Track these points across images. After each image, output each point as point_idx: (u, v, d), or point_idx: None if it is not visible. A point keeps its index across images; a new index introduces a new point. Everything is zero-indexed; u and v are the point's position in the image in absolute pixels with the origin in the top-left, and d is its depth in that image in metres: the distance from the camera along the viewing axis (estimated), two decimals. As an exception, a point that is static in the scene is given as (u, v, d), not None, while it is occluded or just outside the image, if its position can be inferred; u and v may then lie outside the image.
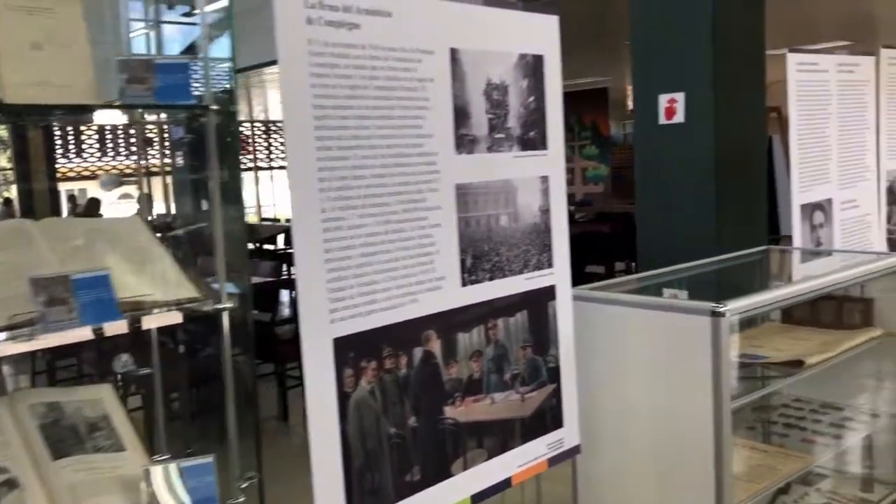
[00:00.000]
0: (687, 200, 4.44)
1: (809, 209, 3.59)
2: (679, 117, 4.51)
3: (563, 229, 2.18)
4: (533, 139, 2.09)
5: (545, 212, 2.13)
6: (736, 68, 4.30)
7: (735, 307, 2.07)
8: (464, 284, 1.91)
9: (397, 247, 1.75)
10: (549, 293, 2.15)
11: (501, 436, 2.02)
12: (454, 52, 1.87)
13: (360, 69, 1.67)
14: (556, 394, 2.18)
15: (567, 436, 2.21)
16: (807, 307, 3.00)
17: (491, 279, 1.98)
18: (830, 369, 2.96)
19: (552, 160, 2.14)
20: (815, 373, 2.94)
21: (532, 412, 2.11)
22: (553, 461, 2.17)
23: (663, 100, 4.57)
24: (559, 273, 2.18)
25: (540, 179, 2.11)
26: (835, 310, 2.96)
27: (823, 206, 3.67)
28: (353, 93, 1.66)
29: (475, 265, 1.94)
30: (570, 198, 14.37)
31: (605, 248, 8.10)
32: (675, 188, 4.46)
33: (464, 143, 1.90)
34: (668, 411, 2.17)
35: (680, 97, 4.47)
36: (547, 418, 2.15)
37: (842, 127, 3.76)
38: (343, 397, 1.65)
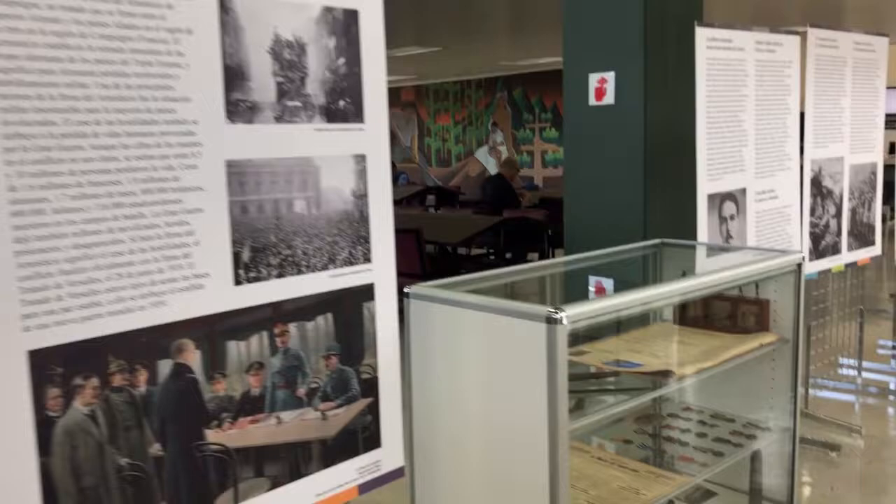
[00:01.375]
0: (614, 186, 4.17)
1: (718, 199, 3.31)
2: (609, 98, 4.25)
3: (386, 217, 1.86)
4: (343, 110, 1.76)
5: (361, 197, 1.80)
6: (670, 49, 4.02)
7: (575, 313, 1.76)
8: (238, 283, 1.59)
9: (132, 236, 1.42)
10: (364, 293, 1.83)
11: (292, 461, 1.71)
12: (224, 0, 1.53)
13: (74, 12, 1.32)
14: (374, 409, 1.87)
15: (387, 457, 1.90)
16: (700, 307, 2.72)
17: (280, 276, 1.66)
18: (727, 376, 2.69)
19: (372, 136, 1.82)
20: (710, 379, 2.68)
21: (338, 432, 1.79)
22: (367, 486, 1.87)
23: (594, 79, 4.28)
24: (380, 269, 1.86)
25: (354, 158, 1.79)
26: (730, 311, 2.68)
27: (736, 197, 3.39)
28: (63, 41, 1.31)
29: (256, 259, 1.61)
30: (529, 180, 14.18)
31: (546, 233, 7.81)
32: (603, 173, 4.19)
33: (239, 110, 1.56)
34: (504, 429, 1.87)
35: (610, 77, 4.19)
36: (358, 438, 1.84)
37: (760, 111, 3.47)
38: (44, 423, 1.32)
